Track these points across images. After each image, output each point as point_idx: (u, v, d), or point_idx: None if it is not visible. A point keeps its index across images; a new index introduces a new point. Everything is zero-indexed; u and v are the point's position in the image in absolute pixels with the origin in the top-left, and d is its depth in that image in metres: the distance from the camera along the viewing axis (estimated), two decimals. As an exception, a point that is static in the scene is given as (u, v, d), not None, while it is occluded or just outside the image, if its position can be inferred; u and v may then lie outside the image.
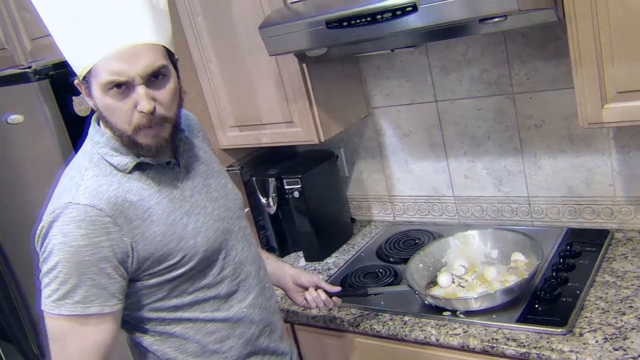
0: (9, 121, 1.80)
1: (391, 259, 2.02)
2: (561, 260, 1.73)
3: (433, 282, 1.78)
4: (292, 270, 1.67)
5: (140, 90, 1.11)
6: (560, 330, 1.47)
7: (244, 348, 1.35)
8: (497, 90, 1.92)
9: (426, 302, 1.69)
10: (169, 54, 1.19)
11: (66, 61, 1.17)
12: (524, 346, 1.45)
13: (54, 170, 1.81)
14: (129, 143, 1.17)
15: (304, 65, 1.89)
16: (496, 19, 1.42)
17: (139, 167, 1.21)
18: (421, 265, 1.82)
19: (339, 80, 2.06)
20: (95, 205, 1.12)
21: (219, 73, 2.06)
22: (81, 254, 1.11)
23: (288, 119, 2.00)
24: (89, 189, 1.15)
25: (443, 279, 1.75)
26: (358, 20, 1.50)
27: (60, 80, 1.77)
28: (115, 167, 1.19)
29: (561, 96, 1.81)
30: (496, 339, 1.51)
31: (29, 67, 1.80)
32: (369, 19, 1.49)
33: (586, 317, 1.50)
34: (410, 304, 1.73)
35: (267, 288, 1.44)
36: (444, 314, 1.65)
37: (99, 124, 1.23)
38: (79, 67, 1.14)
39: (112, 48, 1.09)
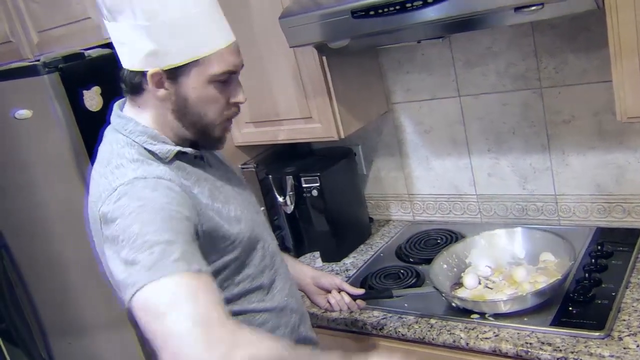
0: (16, 116, 1.73)
1: (412, 260, 1.95)
2: (593, 260, 1.67)
3: (458, 284, 1.71)
4: (313, 271, 1.61)
5: (239, 83, 1.20)
6: (597, 334, 1.40)
7: (291, 337, 1.33)
8: (524, 84, 1.85)
9: (453, 304, 1.62)
10: None
11: (147, 52, 1.11)
12: (560, 350, 1.39)
13: (64, 169, 1.76)
14: (203, 134, 1.20)
15: (324, 58, 1.82)
16: (533, 7, 1.35)
17: (177, 157, 1.19)
18: (445, 266, 1.75)
19: (358, 75, 1.99)
20: (164, 177, 1.10)
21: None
22: (166, 209, 1.03)
23: (307, 114, 1.93)
24: (147, 169, 1.11)
25: (469, 280, 1.68)
26: (386, 9, 1.44)
27: (71, 74, 1.70)
28: (155, 155, 1.16)
29: (592, 90, 1.75)
30: (530, 343, 1.44)
31: (37, 60, 1.72)
32: (397, 7, 1.42)
33: (624, 320, 1.43)
34: (435, 306, 1.66)
35: (293, 279, 1.43)
36: (472, 316, 1.58)
37: (121, 111, 1.22)
38: (182, 57, 1.12)
39: (225, 42, 1.16)
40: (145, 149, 1.16)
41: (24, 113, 1.71)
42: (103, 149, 1.20)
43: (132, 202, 1.03)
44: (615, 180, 1.80)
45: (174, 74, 1.14)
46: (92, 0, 1.79)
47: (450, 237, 2.02)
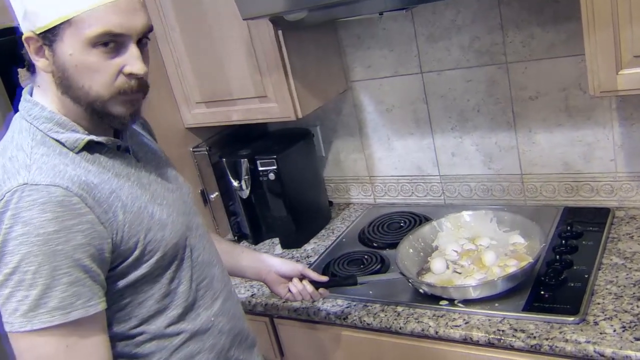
0: (-60, 97, 1.56)
1: (375, 244, 1.87)
2: (563, 241, 1.61)
3: (425, 269, 1.63)
4: (273, 259, 1.50)
5: (134, 49, 0.97)
6: (572, 318, 1.34)
7: None
8: (489, 59, 1.77)
9: (420, 290, 1.54)
10: None
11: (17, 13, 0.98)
12: (534, 337, 1.32)
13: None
14: (97, 112, 1.00)
15: (280, 32, 1.70)
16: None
17: (89, 149, 1.03)
18: (411, 250, 1.67)
19: (316, 51, 1.87)
20: (60, 184, 0.93)
21: (183, 42, 1.86)
22: (51, 242, 0.90)
23: (262, 93, 1.81)
24: (43, 168, 0.95)
25: (437, 264, 1.60)
26: (347, -23, 1.33)
27: (2, 50, 1.53)
28: (63, 145, 1.00)
29: (559, 65, 1.68)
30: (502, 330, 1.37)
31: (-36, 35, 1.55)
32: (359, -26, 1.31)
33: (598, 303, 1.38)
34: (402, 293, 1.58)
35: (232, 292, 1.28)
36: (440, 303, 1.51)
37: (31, 95, 1.04)
38: (50, 16, 0.94)
39: None
40: (51, 137, 1.00)
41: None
42: (4, 138, 1.03)
43: (17, 224, 0.90)
44: (584, 158, 1.75)
45: (48, 38, 0.95)
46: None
47: (414, 220, 1.94)
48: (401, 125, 1.99)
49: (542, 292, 1.45)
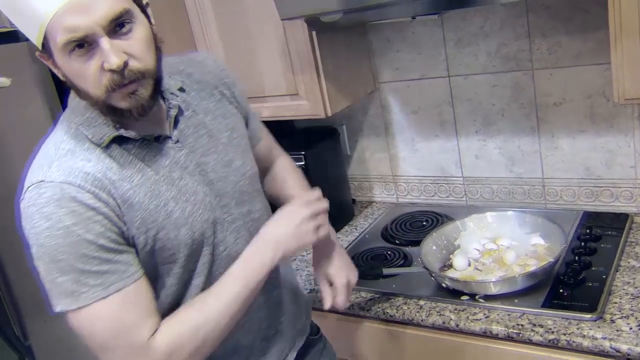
0: (-7, 84, 1.65)
1: (398, 241, 1.93)
2: (582, 244, 1.66)
3: (447, 266, 1.69)
4: (328, 267, 1.38)
5: (104, 43, 0.93)
6: (590, 315, 1.39)
7: None
8: (515, 65, 1.83)
9: (443, 284, 1.60)
10: None
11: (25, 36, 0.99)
12: (552, 332, 1.37)
13: (42, 141, 1.69)
14: (107, 111, 1.01)
15: (314, 33, 1.77)
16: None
17: (119, 142, 1.05)
18: (434, 247, 1.72)
19: (347, 52, 1.94)
20: (72, 182, 0.98)
21: (220, 41, 1.93)
22: (73, 234, 0.96)
23: (293, 91, 1.88)
24: (62, 165, 1.00)
25: (459, 261, 1.66)
26: (384, -19, 1.39)
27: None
28: (90, 141, 1.03)
29: (585, 73, 1.73)
30: (521, 325, 1.42)
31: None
32: (395, -21, 1.38)
33: (615, 302, 1.43)
34: (424, 288, 1.63)
35: (274, 289, 1.28)
36: (462, 298, 1.56)
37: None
38: (34, 34, 0.95)
39: (57, 3, 0.91)
40: (82, 131, 1.03)
41: (2, 81, 1.62)
42: (57, 124, 1.08)
43: (41, 219, 0.97)
44: (605, 164, 1.80)
45: (47, 52, 0.97)
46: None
47: (436, 219, 2.00)
48: (426, 127, 2.05)
49: (561, 291, 1.50)
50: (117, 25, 0.95)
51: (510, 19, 1.78)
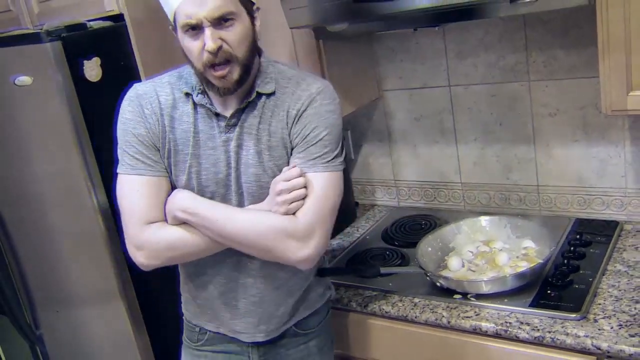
0: (16, 82, 1.74)
1: (396, 242, 2.01)
2: (571, 248, 1.73)
3: (442, 266, 1.77)
4: None
5: (207, 31, 1.24)
6: (574, 315, 1.47)
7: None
8: (513, 77, 1.91)
9: (437, 283, 1.67)
10: (244, 1, 1.29)
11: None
12: (538, 330, 1.45)
13: (61, 138, 1.77)
14: (204, 81, 1.32)
15: (321, 41, 1.86)
16: None
17: (193, 100, 1.37)
18: (430, 249, 1.80)
19: (353, 60, 2.03)
20: (144, 95, 1.38)
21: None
22: (126, 124, 1.37)
23: (300, 96, 1.96)
24: (151, 84, 1.40)
25: (453, 262, 1.74)
26: (387, -5, 1.48)
27: (73, 43, 1.71)
28: (179, 88, 1.39)
29: (579, 85, 1.81)
30: (509, 323, 1.50)
31: (40, 28, 1.74)
32: (397, -7, 1.47)
33: (599, 303, 1.50)
34: (419, 286, 1.71)
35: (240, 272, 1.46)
36: (454, 296, 1.64)
37: None
38: (169, 14, 1.30)
39: None
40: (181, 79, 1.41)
41: (24, 79, 1.72)
42: None
43: (121, 107, 1.40)
44: (597, 173, 1.87)
45: (174, 28, 1.31)
46: (94, -29, 1.82)
47: (434, 222, 2.08)
48: (427, 134, 2.13)
49: (549, 292, 1.58)
50: (222, 20, 1.24)
51: (509, 32, 1.87)
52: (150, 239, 1.35)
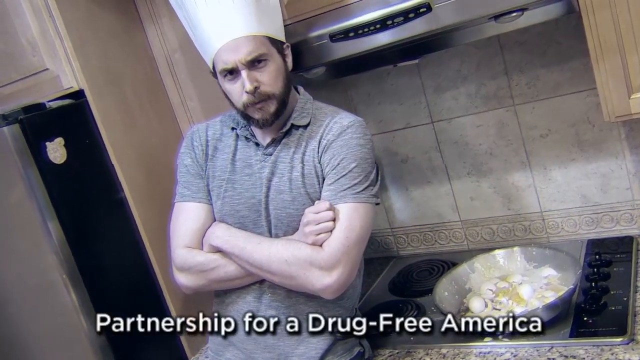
0: (-27, 175, 1.59)
1: (407, 293, 1.87)
2: (594, 270, 1.63)
3: (463, 310, 1.64)
4: None
5: (244, 74, 1.35)
6: (620, 339, 1.35)
7: None
8: (497, 103, 1.85)
9: (463, 328, 1.53)
10: (274, 41, 1.38)
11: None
12: (587, 361, 1.32)
13: (26, 230, 1.61)
14: (245, 117, 1.43)
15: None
16: (514, 14, 1.36)
17: (237, 132, 1.50)
18: (446, 293, 1.67)
19: (330, 109, 1.95)
20: (195, 131, 1.55)
21: (201, 111, 1.92)
22: (182, 156, 1.54)
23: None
24: (205, 124, 1.57)
25: (475, 304, 1.60)
26: (366, 29, 1.41)
27: (32, 125, 1.58)
28: (226, 124, 1.53)
29: (566, 102, 1.76)
30: (553, 359, 1.37)
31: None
32: (378, 25, 1.40)
33: (643, 323, 1.39)
34: (442, 335, 1.56)
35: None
36: (484, 340, 1.50)
37: None
38: (209, 62, 1.42)
39: (220, 43, 1.35)
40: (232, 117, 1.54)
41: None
42: None
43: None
44: (601, 190, 1.80)
45: (214, 73, 1.43)
46: (50, 50, 1.71)
47: (442, 266, 1.96)
48: (418, 175, 2.04)
49: (585, 318, 1.46)
50: (256, 62, 1.35)
51: (486, 59, 1.82)
52: (187, 262, 1.45)
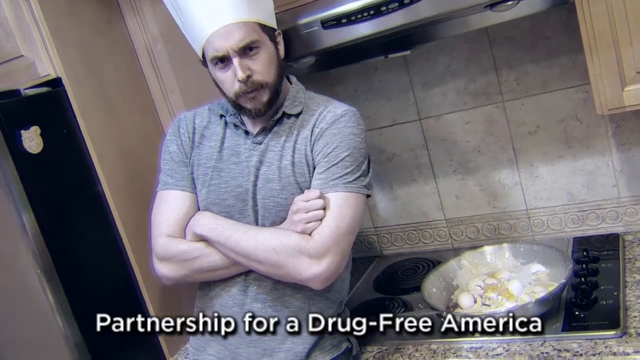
0: (-57, 164, 1.50)
1: (392, 291, 1.84)
2: (583, 266, 1.62)
3: (451, 306, 1.61)
4: None
5: (235, 61, 1.30)
6: (614, 332, 1.33)
7: None
8: (486, 99, 1.84)
9: (455, 324, 1.50)
10: (265, 28, 1.34)
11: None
12: (581, 355, 1.30)
13: (2, 224, 1.54)
14: (236, 107, 1.39)
15: (285, 83, 1.73)
16: (509, 2, 1.35)
17: (226, 121, 1.46)
18: (434, 289, 1.64)
19: (316, 104, 1.91)
20: (183, 119, 1.50)
21: (184, 105, 1.86)
22: (166, 143, 1.50)
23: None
24: (197, 111, 1.52)
25: (464, 300, 1.58)
26: (359, 16, 1.39)
27: (6, 112, 1.50)
28: (215, 112, 1.49)
29: (555, 98, 1.76)
30: (546, 353, 1.34)
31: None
32: (372, 12, 1.37)
33: (635, 316, 1.37)
34: (431, 332, 1.53)
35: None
36: (475, 335, 1.47)
37: None
38: (198, 50, 1.37)
39: (211, 30, 1.30)
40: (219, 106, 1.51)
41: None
42: None
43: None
44: (587, 187, 1.80)
45: (204, 62, 1.38)
46: (25, 35, 1.64)
47: (427, 264, 1.93)
48: (403, 173, 2.01)
49: (577, 313, 1.44)
50: (248, 49, 1.31)
51: (475, 54, 1.81)
52: (169, 250, 1.40)
